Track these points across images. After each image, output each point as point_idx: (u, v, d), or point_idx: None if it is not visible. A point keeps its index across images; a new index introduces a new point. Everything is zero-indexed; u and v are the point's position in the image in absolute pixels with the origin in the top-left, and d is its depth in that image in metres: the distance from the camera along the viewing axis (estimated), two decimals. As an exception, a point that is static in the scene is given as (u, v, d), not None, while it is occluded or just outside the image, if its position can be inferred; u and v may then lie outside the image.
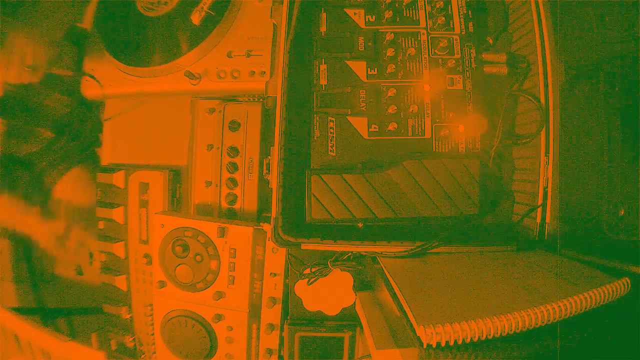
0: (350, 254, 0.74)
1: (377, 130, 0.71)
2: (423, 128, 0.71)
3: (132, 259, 0.89)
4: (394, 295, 0.55)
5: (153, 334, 0.88)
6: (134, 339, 0.91)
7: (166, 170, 0.88)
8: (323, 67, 0.72)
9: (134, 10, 0.85)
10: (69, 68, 0.87)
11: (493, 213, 0.75)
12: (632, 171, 0.63)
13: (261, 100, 0.86)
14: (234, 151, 0.85)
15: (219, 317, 0.80)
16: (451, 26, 0.74)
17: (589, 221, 0.67)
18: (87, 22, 0.92)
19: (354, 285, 0.77)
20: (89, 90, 0.88)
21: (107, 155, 0.95)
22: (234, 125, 0.85)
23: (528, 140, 0.72)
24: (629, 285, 0.52)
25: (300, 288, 0.77)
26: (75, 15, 0.91)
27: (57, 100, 0.86)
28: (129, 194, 0.89)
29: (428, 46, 0.73)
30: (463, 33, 0.73)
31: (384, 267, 0.62)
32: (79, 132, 0.93)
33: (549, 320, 0.47)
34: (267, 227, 0.68)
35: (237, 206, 0.85)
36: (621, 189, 0.63)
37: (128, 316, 0.91)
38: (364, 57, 0.72)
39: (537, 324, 0.46)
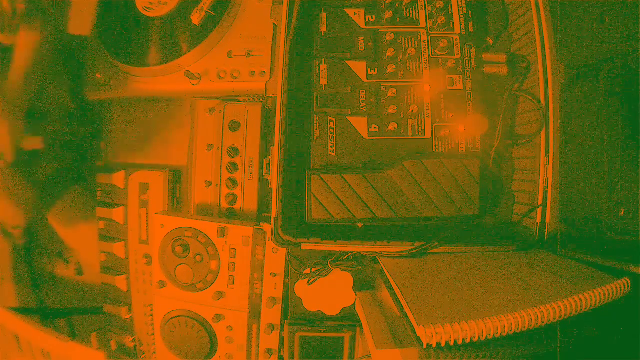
0: (350, 254, 0.74)
1: (377, 130, 0.71)
2: (423, 128, 0.71)
3: (132, 259, 0.89)
4: (394, 295, 0.55)
5: (153, 334, 0.88)
6: (134, 339, 0.91)
7: (166, 170, 0.88)
8: (323, 67, 0.72)
9: (134, 10, 0.85)
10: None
11: (493, 213, 0.75)
12: (632, 171, 0.62)
13: (261, 100, 0.86)
14: (234, 151, 0.85)
15: (219, 317, 0.80)
16: (451, 26, 0.73)
17: (589, 221, 0.67)
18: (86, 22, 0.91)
19: (354, 285, 0.77)
20: (89, 90, 0.88)
21: (107, 155, 0.95)
22: (234, 125, 0.85)
23: (528, 140, 0.72)
24: (629, 285, 0.52)
25: (300, 288, 0.78)
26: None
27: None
28: (129, 194, 0.89)
29: (428, 46, 0.73)
30: (463, 33, 0.73)
31: (384, 267, 0.62)
32: (75, 136, 0.92)
33: (549, 320, 0.47)
34: (267, 227, 0.68)
35: (237, 206, 0.85)
36: (621, 189, 0.63)
37: (128, 316, 0.91)
38: (364, 57, 0.72)
39: (537, 324, 0.46)
